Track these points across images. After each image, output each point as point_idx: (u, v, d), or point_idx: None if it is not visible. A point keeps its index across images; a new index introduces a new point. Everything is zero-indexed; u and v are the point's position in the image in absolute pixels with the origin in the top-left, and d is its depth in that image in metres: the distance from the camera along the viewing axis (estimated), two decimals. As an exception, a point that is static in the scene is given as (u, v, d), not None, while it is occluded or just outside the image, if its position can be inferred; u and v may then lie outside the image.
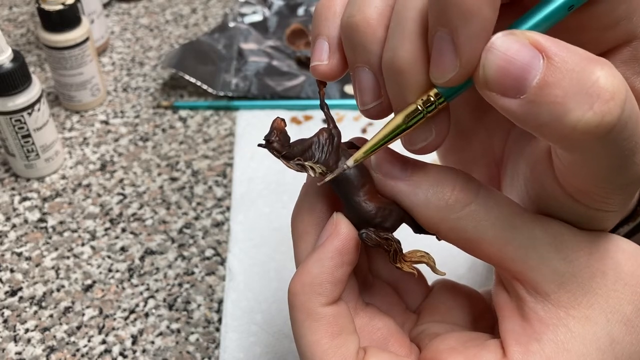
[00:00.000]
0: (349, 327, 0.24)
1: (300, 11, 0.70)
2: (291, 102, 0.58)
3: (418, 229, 0.24)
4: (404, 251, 0.25)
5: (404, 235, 0.25)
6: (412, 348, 0.26)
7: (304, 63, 0.62)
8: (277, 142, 0.24)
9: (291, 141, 0.24)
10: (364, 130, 0.55)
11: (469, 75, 0.20)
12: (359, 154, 0.23)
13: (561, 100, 0.18)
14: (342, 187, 0.24)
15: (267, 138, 0.24)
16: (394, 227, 0.24)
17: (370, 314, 0.26)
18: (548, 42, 0.18)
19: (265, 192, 0.49)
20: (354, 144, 0.26)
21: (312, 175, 0.24)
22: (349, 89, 0.59)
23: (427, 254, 0.25)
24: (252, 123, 0.56)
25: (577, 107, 0.17)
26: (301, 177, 0.27)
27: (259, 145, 0.24)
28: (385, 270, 0.29)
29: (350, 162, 0.23)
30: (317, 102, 0.57)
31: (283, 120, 0.24)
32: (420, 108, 0.21)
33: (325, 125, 0.25)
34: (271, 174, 0.51)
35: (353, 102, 0.56)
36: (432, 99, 0.21)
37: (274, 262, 0.44)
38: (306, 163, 0.24)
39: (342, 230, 0.24)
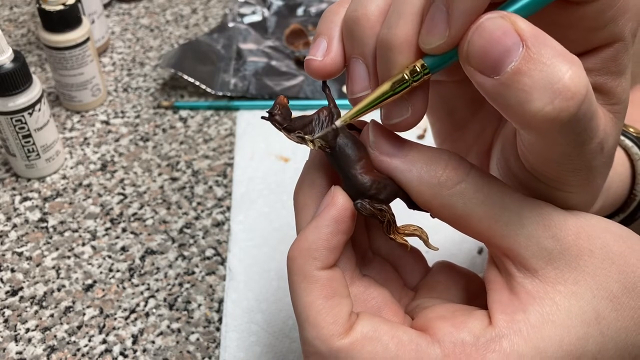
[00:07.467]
0: (342, 291, 0.25)
1: (300, 11, 0.70)
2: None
3: (412, 204, 0.25)
4: (398, 225, 0.26)
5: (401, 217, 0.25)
6: (405, 318, 0.27)
7: (302, 63, 0.62)
8: (279, 116, 0.25)
9: (293, 117, 0.26)
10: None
11: (454, 45, 0.21)
12: (346, 116, 0.25)
13: (528, 89, 0.19)
14: (340, 161, 0.25)
15: (270, 111, 0.25)
16: (388, 199, 0.25)
17: (366, 284, 0.27)
18: (530, 33, 0.20)
19: (265, 192, 0.50)
20: (353, 125, 0.27)
21: (311, 148, 0.26)
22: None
23: (420, 228, 0.26)
24: (252, 123, 0.56)
25: (541, 98, 0.19)
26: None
27: (262, 117, 0.26)
28: (385, 247, 0.30)
29: (338, 122, 0.25)
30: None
31: (286, 97, 0.26)
32: (406, 77, 0.23)
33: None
34: (271, 174, 0.51)
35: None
36: (418, 69, 0.23)
37: (274, 261, 0.44)
38: (306, 136, 0.25)
39: (338, 200, 0.25)
